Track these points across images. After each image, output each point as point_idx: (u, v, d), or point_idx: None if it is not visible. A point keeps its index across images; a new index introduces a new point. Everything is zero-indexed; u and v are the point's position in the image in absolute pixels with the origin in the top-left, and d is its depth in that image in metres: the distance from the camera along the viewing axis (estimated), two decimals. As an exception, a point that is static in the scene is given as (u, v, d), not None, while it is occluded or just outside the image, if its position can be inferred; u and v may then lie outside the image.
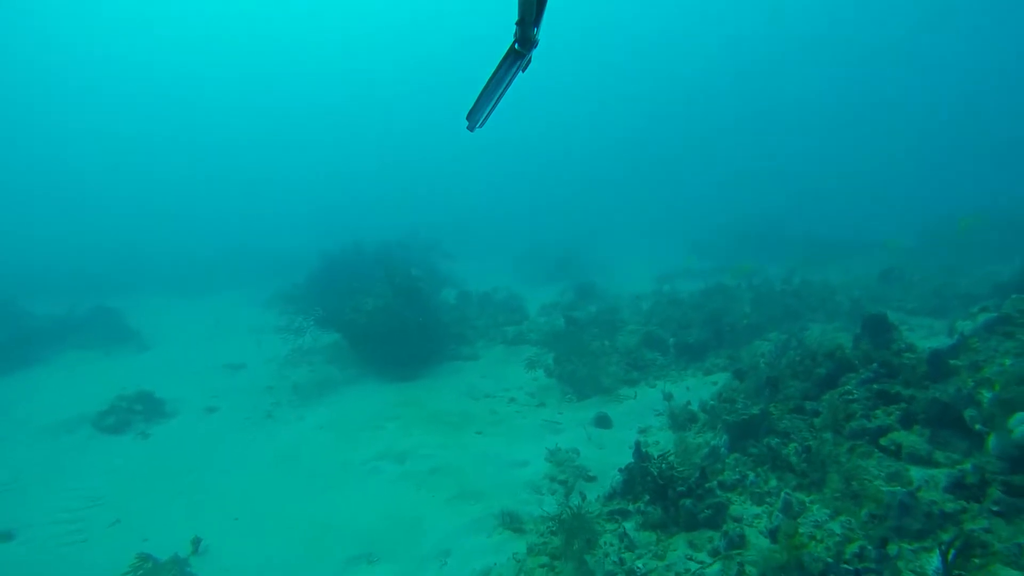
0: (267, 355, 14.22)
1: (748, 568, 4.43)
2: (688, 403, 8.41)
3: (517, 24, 2.44)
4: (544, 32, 2.48)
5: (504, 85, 2.70)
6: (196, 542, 6.51)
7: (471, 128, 2.97)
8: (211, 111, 63.47)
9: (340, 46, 65.38)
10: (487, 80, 2.68)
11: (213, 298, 22.06)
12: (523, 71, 2.71)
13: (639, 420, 8.78)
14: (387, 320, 12.67)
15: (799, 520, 4.61)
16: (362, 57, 66.02)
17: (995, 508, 4.17)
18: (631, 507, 5.76)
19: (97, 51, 57.30)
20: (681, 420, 8.05)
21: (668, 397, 8.90)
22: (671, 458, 5.80)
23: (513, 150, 57.82)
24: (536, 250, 25.16)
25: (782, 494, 5.12)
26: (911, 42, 55.46)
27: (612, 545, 5.29)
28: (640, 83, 64.70)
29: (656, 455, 5.87)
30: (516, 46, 2.50)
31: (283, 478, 8.48)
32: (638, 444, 6.05)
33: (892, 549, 4.08)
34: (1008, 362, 5.23)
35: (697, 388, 9.39)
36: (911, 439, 5.37)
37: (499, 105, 2.82)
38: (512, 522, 6.30)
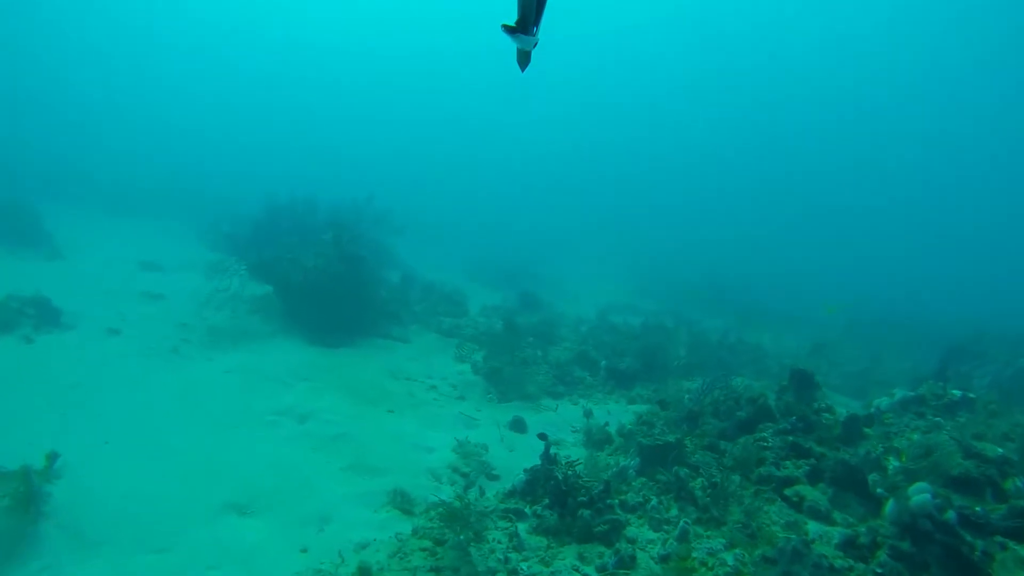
0: (189, 291, 13.36)
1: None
2: (606, 424, 8.33)
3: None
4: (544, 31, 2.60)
5: None
6: (52, 457, 5.84)
7: (526, 40, 2.75)
8: (193, 48, 60.73)
9: (332, 24, 64.30)
10: None
11: (148, 221, 20.69)
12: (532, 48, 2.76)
13: (555, 432, 8.60)
14: (325, 281, 12.15)
15: (693, 545, 4.51)
16: (353, 33, 64.98)
17: (879, 570, 4.19)
18: (528, 509, 5.56)
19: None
20: (596, 439, 7.95)
21: (588, 414, 8.79)
22: (579, 467, 5.65)
23: (490, 149, 57.49)
24: (492, 254, 24.91)
25: (680, 523, 5.03)
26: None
27: (500, 543, 5.07)
28: (627, 112, 65.59)
29: (565, 462, 5.71)
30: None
31: (173, 413, 7.87)
32: (547, 446, 5.87)
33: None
34: (916, 437, 5.35)
35: (618, 413, 9.33)
36: (814, 494, 5.40)
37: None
38: (403, 502, 6.00)
